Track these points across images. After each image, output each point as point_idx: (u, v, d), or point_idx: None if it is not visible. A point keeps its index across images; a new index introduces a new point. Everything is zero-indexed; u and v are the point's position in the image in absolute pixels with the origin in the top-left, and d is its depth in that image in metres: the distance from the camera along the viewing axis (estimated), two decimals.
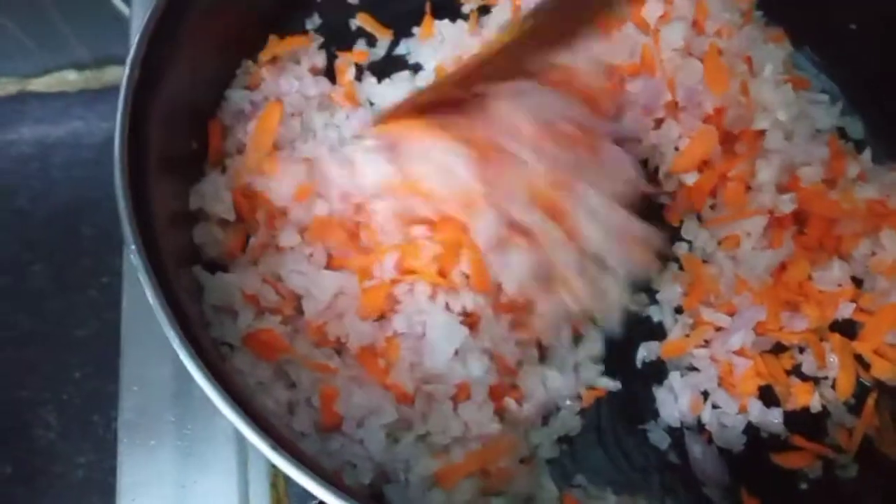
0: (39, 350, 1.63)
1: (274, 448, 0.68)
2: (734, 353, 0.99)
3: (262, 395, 0.88)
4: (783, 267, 1.04)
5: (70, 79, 1.87)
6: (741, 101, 1.10)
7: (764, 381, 0.98)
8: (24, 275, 1.70)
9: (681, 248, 1.08)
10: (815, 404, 0.99)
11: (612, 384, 1.00)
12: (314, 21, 1.19)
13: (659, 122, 1.12)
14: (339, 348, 0.94)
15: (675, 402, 0.98)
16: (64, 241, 1.74)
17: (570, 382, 0.99)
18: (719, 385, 0.99)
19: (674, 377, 1.00)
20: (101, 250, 1.70)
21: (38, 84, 1.88)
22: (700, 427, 0.98)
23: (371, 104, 1.16)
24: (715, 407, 0.98)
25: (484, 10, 1.24)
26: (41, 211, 1.77)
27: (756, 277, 1.02)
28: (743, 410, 0.98)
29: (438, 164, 0.88)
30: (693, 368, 1.01)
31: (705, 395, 0.99)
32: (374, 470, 0.87)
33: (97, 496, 1.50)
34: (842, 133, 1.19)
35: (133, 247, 0.75)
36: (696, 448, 0.96)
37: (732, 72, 1.11)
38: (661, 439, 0.98)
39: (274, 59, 1.12)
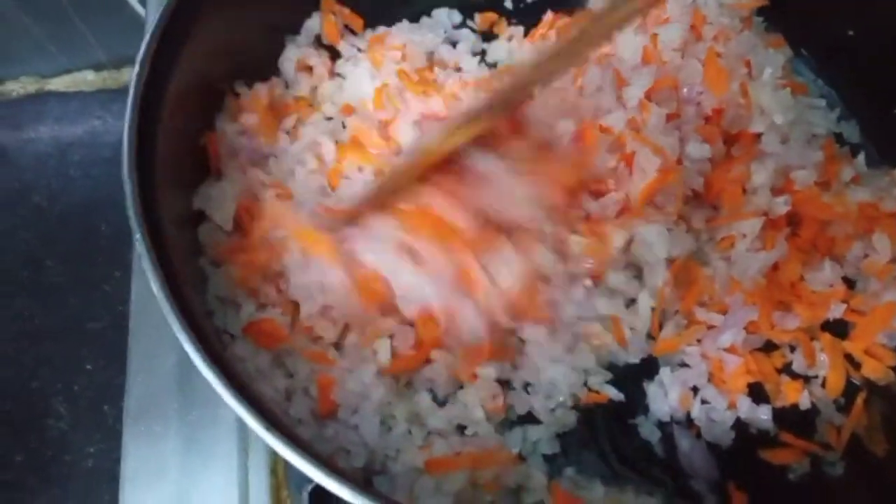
0: (53, 343, 1.66)
1: (270, 430, 0.70)
2: (725, 350, 1.00)
3: (260, 382, 0.91)
4: (776, 267, 1.05)
5: (88, 79, 1.91)
6: (740, 102, 1.11)
7: (754, 378, 1.00)
8: (40, 270, 1.74)
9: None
10: (804, 402, 1.00)
11: (616, 394, 1.01)
12: None
13: None
14: (336, 343, 0.97)
15: (665, 396, 1.00)
16: (79, 237, 1.78)
17: (573, 380, 1.01)
18: (709, 381, 1.00)
19: (664, 372, 1.01)
20: (115, 247, 1.74)
21: (57, 84, 1.92)
22: (689, 422, 0.99)
23: None
24: (704, 402, 0.99)
25: None
26: (58, 208, 1.81)
27: (749, 278, 1.03)
28: (732, 406, 0.99)
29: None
30: (684, 364, 1.02)
31: (695, 390, 1.00)
32: (367, 456, 0.89)
33: (106, 484, 1.52)
34: (838, 138, 1.20)
35: (138, 235, 0.78)
36: (684, 442, 0.97)
37: (732, 74, 1.12)
38: (650, 433, 0.99)
39: None
